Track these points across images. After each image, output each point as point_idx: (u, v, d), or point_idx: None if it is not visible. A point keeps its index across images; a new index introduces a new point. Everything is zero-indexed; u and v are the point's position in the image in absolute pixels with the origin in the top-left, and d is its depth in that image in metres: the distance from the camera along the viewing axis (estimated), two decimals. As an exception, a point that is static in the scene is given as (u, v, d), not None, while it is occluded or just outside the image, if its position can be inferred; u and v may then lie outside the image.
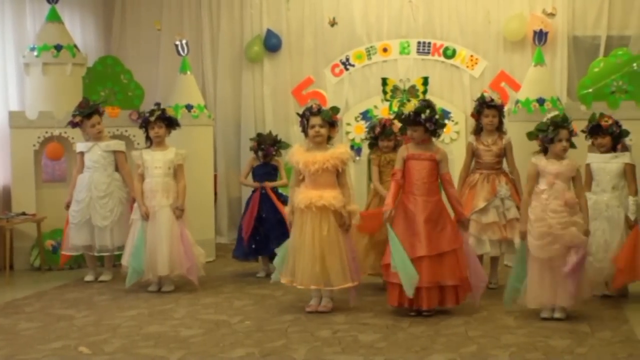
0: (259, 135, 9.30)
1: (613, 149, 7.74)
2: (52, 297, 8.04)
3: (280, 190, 9.15)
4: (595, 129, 7.72)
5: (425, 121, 6.99)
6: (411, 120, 7.02)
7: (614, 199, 7.58)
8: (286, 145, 9.08)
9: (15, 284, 8.69)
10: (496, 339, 6.27)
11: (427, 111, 7.01)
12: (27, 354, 5.96)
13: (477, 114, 8.23)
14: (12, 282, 8.78)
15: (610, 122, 7.67)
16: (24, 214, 9.27)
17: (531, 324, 6.71)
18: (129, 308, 7.50)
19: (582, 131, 7.63)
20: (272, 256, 8.66)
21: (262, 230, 8.91)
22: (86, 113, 8.73)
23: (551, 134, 6.83)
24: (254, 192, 9.07)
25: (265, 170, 9.06)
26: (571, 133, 6.91)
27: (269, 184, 8.99)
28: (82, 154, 8.78)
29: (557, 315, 6.84)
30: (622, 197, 7.60)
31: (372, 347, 6.05)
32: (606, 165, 7.64)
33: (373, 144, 8.28)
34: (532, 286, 6.78)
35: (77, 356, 5.91)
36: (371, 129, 8.36)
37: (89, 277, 8.79)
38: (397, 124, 7.71)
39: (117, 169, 8.86)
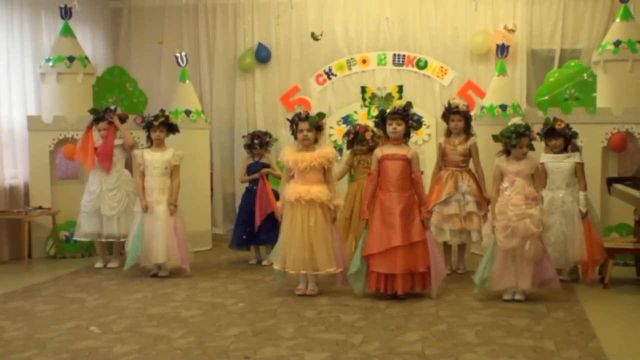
0: (252, 132, 9.37)
1: (565, 149, 7.77)
2: (65, 282, 8.03)
3: (274, 187, 9.05)
4: (550, 132, 7.73)
5: (410, 117, 7.10)
6: (399, 114, 7.06)
7: (568, 195, 7.61)
8: (275, 139, 9.50)
9: (33, 271, 8.67)
10: (463, 318, 6.31)
11: (411, 109, 7.20)
12: (44, 333, 5.97)
13: (445, 118, 8.34)
14: (30, 268, 8.76)
15: (562, 125, 7.70)
16: (40, 207, 9.26)
17: (494, 305, 6.75)
18: (135, 292, 7.50)
19: (538, 134, 7.61)
20: (261, 244, 9.04)
21: (253, 223, 8.82)
22: (94, 118, 8.82)
23: (514, 141, 6.93)
24: (255, 185, 8.94)
25: (257, 167, 8.94)
26: (531, 139, 6.99)
27: (265, 170, 8.92)
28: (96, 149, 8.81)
29: (517, 297, 6.89)
30: (574, 193, 7.62)
31: (352, 326, 6.08)
32: (560, 165, 7.67)
33: (350, 146, 8.44)
34: (497, 272, 6.85)
35: (88, 335, 5.91)
36: (347, 134, 8.53)
37: (98, 264, 8.80)
38: (370, 132, 8.08)
39: (126, 166, 8.91)
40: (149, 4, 12.16)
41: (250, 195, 9.01)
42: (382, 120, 7.20)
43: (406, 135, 7.17)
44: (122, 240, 8.67)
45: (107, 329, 6.06)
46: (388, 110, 7.16)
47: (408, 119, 7.11)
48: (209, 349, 5.50)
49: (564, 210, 7.58)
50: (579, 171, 7.69)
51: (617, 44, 9.05)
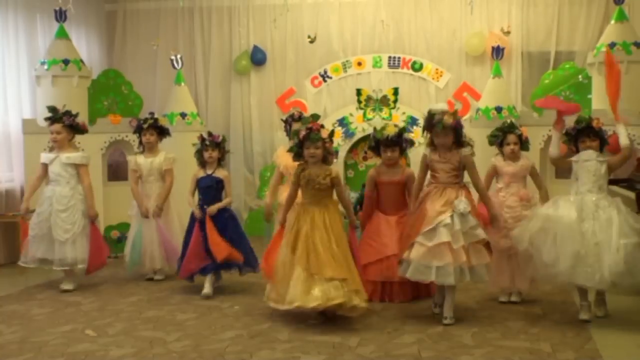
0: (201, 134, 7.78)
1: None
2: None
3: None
4: (585, 131, 6.53)
5: (404, 142, 7.08)
6: (393, 142, 7.03)
7: (602, 200, 6.30)
8: (228, 151, 7.98)
9: (28, 274, 8.60)
10: (460, 320, 6.29)
11: (405, 133, 7.12)
12: (39, 336, 5.96)
13: (429, 130, 6.39)
14: (26, 272, 8.68)
15: (601, 124, 6.58)
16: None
17: (490, 307, 6.77)
18: (130, 295, 7.50)
19: (567, 133, 6.63)
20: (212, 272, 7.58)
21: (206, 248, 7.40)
22: (50, 117, 7.87)
23: (500, 138, 6.95)
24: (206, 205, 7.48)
25: (209, 183, 7.52)
26: (520, 137, 6.95)
27: (213, 209, 7.39)
28: (45, 165, 7.86)
29: (513, 299, 6.90)
30: (608, 197, 6.37)
31: (348, 329, 6.07)
32: (591, 164, 6.42)
33: (299, 153, 6.43)
34: (492, 272, 6.63)
35: (84, 338, 5.90)
36: (295, 133, 6.50)
37: (67, 286, 7.77)
38: (327, 130, 6.46)
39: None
40: (144, 7, 12.17)
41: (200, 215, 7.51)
42: (376, 145, 7.16)
43: (401, 154, 7.23)
44: (79, 266, 7.74)
45: (103, 332, 6.05)
46: (382, 138, 7.07)
47: (402, 144, 7.10)
48: (205, 352, 5.49)
49: (597, 216, 6.21)
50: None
51: (612, 45, 9.06)
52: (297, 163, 6.49)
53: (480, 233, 6.18)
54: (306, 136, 6.29)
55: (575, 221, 6.16)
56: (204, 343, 5.72)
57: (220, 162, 7.65)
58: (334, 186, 6.33)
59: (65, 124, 7.80)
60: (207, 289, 7.39)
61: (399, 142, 7.07)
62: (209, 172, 7.54)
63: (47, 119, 7.89)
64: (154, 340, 5.82)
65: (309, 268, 6.04)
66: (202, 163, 7.57)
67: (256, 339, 5.81)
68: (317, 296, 5.96)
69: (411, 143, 7.25)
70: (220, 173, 7.58)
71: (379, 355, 5.38)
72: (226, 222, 7.46)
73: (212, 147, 7.52)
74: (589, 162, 6.42)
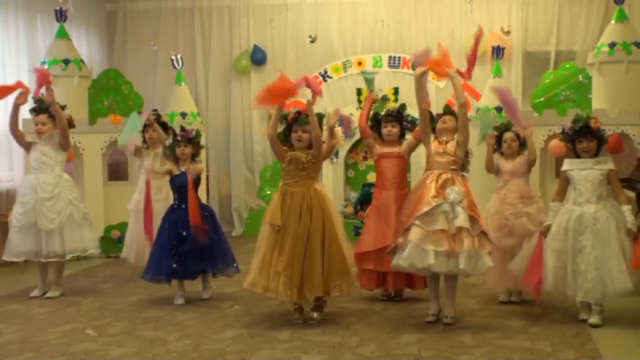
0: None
1: (596, 155, 6.27)
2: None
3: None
4: (582, 131, 6.22)
5: (405, 118, 7.06)
6: (393, 117, 7.01)
7: (601, 210, 6.04)
8: (202, 146, 7.63)
9: (29, 274, 8.60)
10: (460, 320, 6.28)
11: (406, 111, 7.12)
12: (39, 336, 5.96)
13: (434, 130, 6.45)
14: (26, 271, 8.70)
15: (598, 124, 6.26)
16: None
17: (491, 307, 6.75)
18: (130, 294, 7.50)
19: (564, 132, 6.41)
20: (191, 277, 7.29)
21: (181, 251, 7.01)
22: (34, 108, 7.44)
23: (498, 137, 6.96)
24: (182, 204, 7.08)
25: (183, 181, 7.05)
26: (518, 136, 6.93)
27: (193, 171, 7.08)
28: (29, 144, 7.46)
29: (513, 298, 6.89)
30: (608, 207, 6.08)
31: (348, 329, 6.06)
32: (589, 173, 6.14)
33: (287, 135, 6.43)
34: (495, 272, 6.47)
35: (84, 338, 5.89)
36: (283, 117, 6.50)
37: (35, 292, 7.46)
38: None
39: (65, 170, 7.61)
40: (144, 7, 12.20)
41: (175, 215, 7.15)
42: (376, 123, 7.15)
43: (401, 137, 7.14)
44: (68, 257, 7.45)
45: (103, 332, 6.05)
46: (382, 113, 7.14)
47: (402, 121, 7.09)
48: (205, 351, 5.49)
49: (596, 229, 5.98)
50: (614, 180, 6.20)
51: (612, 45, 9.08)
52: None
53: (459, 220, 5.92)
54: (295, 119, 6.29)
55: (563, 251, 6.08)
56: (204, 343, 5.71)
57: (194, 158, 7.26)
58: (314, 163, 6.27)
59: (50, 115, 7.36)
60: (179, 299, 7.13)
61: (399, 119, 7.05)
62: (183, 169, 7.15)
63: (32, 109, 7.46)
64: (154, 340, 5.81)
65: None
66: (175, 159, 7.19)
67: (256, 339, 5.80)
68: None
69: (413, 124, 7.09)
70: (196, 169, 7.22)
71: (379, 355, 5.37)
72: (205, 221, 7.11)
73: (184, 143, 7.15)
74: (586, 171, 6.17)
